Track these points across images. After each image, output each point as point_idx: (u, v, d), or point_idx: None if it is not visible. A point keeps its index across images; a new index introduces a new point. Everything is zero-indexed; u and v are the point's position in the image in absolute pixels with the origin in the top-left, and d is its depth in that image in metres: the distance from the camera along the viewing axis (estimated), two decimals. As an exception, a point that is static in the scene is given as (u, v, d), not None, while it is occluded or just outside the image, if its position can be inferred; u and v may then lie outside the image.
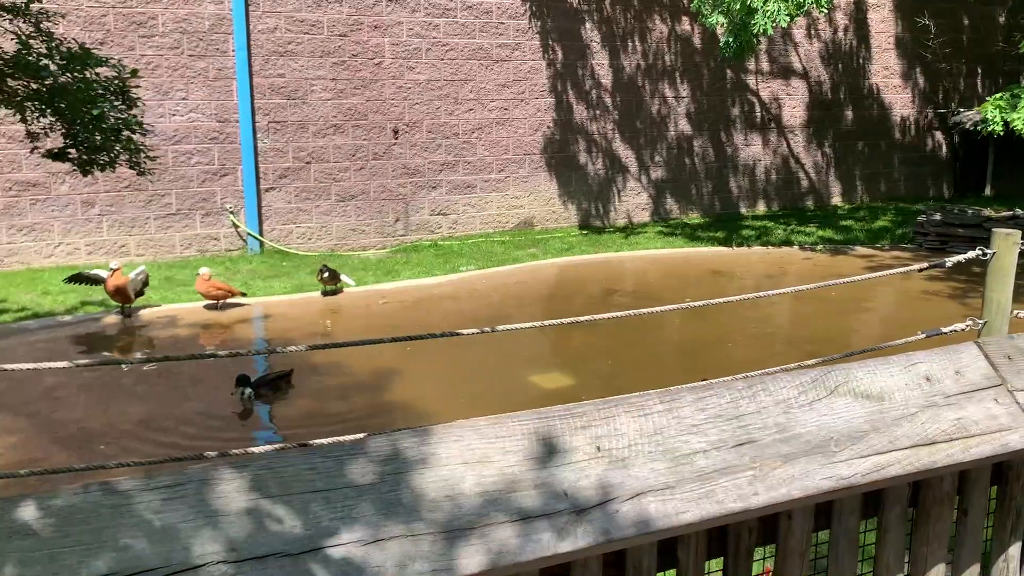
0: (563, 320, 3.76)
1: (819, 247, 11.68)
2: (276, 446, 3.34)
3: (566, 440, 1.45)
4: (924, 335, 4.95)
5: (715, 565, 1.74)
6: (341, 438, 1.45)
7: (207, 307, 8.29)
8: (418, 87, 11.53)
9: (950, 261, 4.87)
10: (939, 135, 15.93)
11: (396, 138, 11.51)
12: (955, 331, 4.86)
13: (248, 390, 5.89)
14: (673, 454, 1.48)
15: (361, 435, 1.40)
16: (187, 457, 3.01)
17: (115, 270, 7.86)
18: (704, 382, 1.64)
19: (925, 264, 5.14)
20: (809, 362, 5.05)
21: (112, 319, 7.99)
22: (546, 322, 4.32)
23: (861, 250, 11.49)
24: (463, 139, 11.93)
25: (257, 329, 8.32)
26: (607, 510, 1.40)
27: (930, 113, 15.79)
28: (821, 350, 7.01)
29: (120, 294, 7.83)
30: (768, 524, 1.70)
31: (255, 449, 3.63)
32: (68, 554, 1.17)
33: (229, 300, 8.35)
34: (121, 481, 1.25)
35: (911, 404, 1.67)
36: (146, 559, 1.19)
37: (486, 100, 12.01)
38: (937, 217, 11.47)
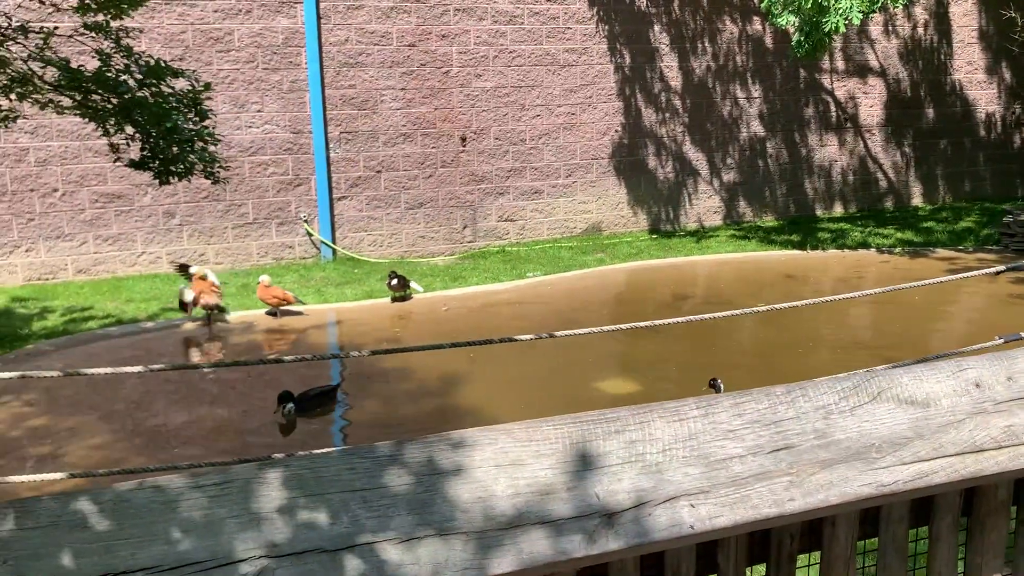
0: (620, 326, 3.76)
1: (897, 249, 11.35)
2: (339, 448, 3.45)
3: (599, 444, 1.47)
4: (1002, 340, 4.79)
5: (760, 570, 1.74)
6: (380, 443, 1.50)
7: (267, 313, 8.53)
8: (485, 94, 11.64)
9: (1028, 263, 4.69)
10: (1027, 132, 15.30)
11: (464, 145, 11.64)
12: (1035, 336, 4.68)
13: (290, 406, 5.95)
14: (708, 459, 1.49)
15: (399, 439, 1.45)
16: (238, 461, 3.12)
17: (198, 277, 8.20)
18: (742, 391, 1.63)
19: (1002, 267, 4.96)
20: (851, 374, 4.93)
21: (191, 325, 8.28)
22: (604, 328, 4.32)
23: (942, 252, 11.11)
24: (530, 145, 11.99)
25: (329, 335, 8.52)
26: (639, 514, 1.41)
27: (1018, 109, 15.18)
28: (899, 355, 6.82)
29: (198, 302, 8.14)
30: (812, 531, 1.69)
31: (322, 451, 3.74)
32: (121, 546, 1.25)
33: (285, 307, 8.54)
34: (172, 479, 1.33)
35: (958, 410, 1.63)
36: (193, 552, 1.26)
37: (553, 105, 12.05)
38: None
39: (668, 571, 1.57)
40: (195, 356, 7.74)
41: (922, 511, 1.76)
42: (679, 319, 4.78)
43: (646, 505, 1.42)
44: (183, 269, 8.72)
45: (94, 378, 6.59)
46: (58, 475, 3.06)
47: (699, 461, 1.48)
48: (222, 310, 8.30)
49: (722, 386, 6.09)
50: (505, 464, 1.42)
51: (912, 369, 1.70)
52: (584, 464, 1.44)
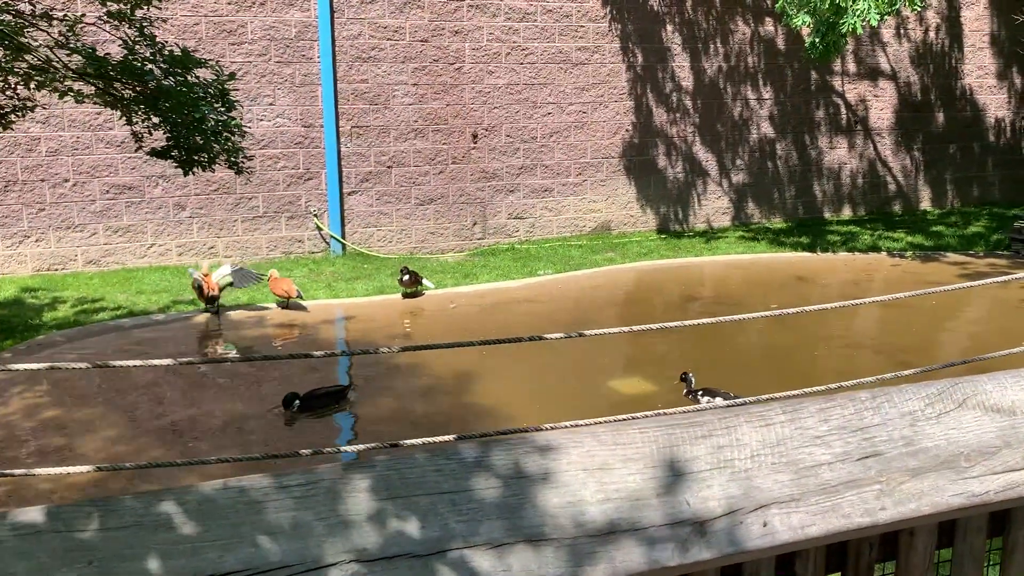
0: (633, 327, 3.72)
1: (908, 253, 11.32)
2: (363, 446, 3.40)
3: (687, 449, 1.43)
4: (1029, 347, 4.74)
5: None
6: (464, 443, 1.47)
7: (279, 305, 8.51)
8: (497, 91, 11.59)
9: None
10: (1036, 137, 15.27)
11: (475, 142, 11.59)
12: (1063, 343, 4.64)
13: (296, 402, 5.90)
14: (797, 466, 1.45)
15: (484, 436, 1.41)
16: (283, 455, 3.07)
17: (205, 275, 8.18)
18: (827, 392, 1.60)
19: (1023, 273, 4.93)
20: (935, 366, 4.90)
21: (202, 317, 8.24)
22: (615, 329, 4.28)
23: (953, 257, 11.08)
24: (541, 143, 11.95)
25: (339, 330, 8.47)
26: (731, 522, 1.37)
27: (1027, 114, 15.15)
28: (915, 360, 6.78)
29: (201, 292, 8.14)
30: (888, 540, 1.65)
31: (348, 448, 3.69)
32: (208, 548, 1.21)
33: (293, 300, 8.49)
34: (256, 480, 1.29)
35: (1045, 420, 1.60)
36: (281, 556, 1.22)
37: (564, 104, 12.00)
38: (1035, 223, 10.99)
39: (747, 579, 1.53)
40: (209, 349, 7.69)
41: (998, 522, 1.73)
42: (698, 321, 4.74)
43: (737, 513, 1.38)
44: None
45: (107, 370, 6.54)
46: (84, 468, 3.01)
47: (788, 468, 1.45)
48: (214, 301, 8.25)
49: (693, 379, 6.20)
50: (593, 468, 1.38)
51: (995, 377, 1.66)
52: (672, 470, 1.41)
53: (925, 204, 14.65)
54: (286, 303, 8.50)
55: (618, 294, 10.05)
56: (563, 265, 10.56)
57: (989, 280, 4.94)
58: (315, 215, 10.93)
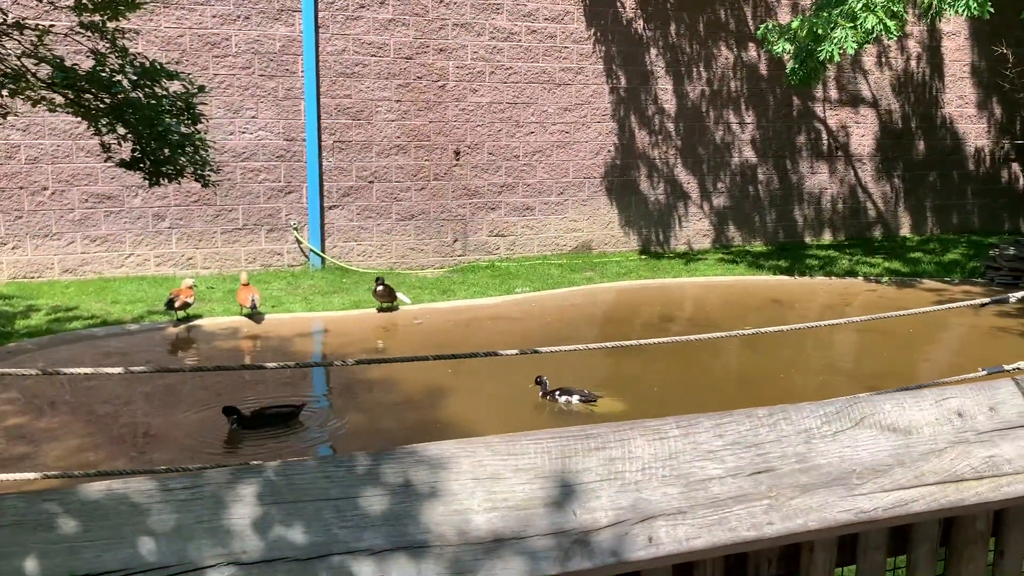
0: (605, 344, 3.75)
1: (885, 279, 11.41)
2: (300, 459, 3.41)
3: (579, 461, 1.46)
4: (985, 372, 4.80)
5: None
6: (356, 452, 1.48)
7: (244, 315, 8.58)
8: (480, 109, 11.67)
9: (1014, 297, 4.71)
10: (1016, 167, 15.45)
11: (457, 159, 11.65)
12: (1018, 368, 4.69)
13: (235, 417, 5.76)
14: (687, 479, 1.47)
15: (376, 450, 1.43)
16: (213, 466, 3.08)
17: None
18: (721, 412, 1.63)
19: (987, 300, 4.98)
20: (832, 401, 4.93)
21: (174, 329, 8.23)
22: (591, 345, 4.31)
23: (929, 283, 11.17)
24: (523, 161, 12.02)
25: (314, 343, 8.47)
26: (616, 532, 1.40)
27: (1007, 144, 15.33)
28: (880, 384, 6.83)
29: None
30: (789, 555, 1.68)
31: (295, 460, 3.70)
32: (87, 548, 1.22)
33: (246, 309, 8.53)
34: (142, 483, 1.30)
35: (940, 439, 1.63)
36: (160, 557, 1.23)
37: (547, 123, 12.08)
38: (1011, 251, 11.10)
39: (643, 592, 1.55)
40: (180, 359, 7.68)
41: (900, 539, 1.75)
42: (669, 339, 4.77)
43: (623, 524, 1.41)
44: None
45: (75, 379, 6.53)
46: (31, 475, 3.01)
47: (678, 481, 1.47)
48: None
49: (547, 382, 6.38)
50: (483, 478, 1.40)
51: (894, 396, 1.69)
52: (562, 480, 1.43)
53: (905, 231, 14.78)
54: (250, 312, 8.52)
55: (595, 313, 10.08)
56: (542, 283, 10.60)
57: (945, 306, 4.99)
58: (295, 228, 10.95)
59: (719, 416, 1.57)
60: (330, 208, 11.11)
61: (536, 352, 4.36)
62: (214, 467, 3.49)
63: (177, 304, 8.14)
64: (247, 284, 8.62)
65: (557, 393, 6.39)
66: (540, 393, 6.45)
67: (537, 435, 1.50)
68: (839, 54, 9.75)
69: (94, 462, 5.30)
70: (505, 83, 11.78)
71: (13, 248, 9.80)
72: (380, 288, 8.88)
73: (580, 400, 6.40)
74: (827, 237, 14.19)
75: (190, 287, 8.30)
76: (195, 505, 1.28)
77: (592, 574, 1.38)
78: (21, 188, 9.77)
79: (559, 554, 1.35)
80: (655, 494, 1.44)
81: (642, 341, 4.36)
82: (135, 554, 1.23)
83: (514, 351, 4.31)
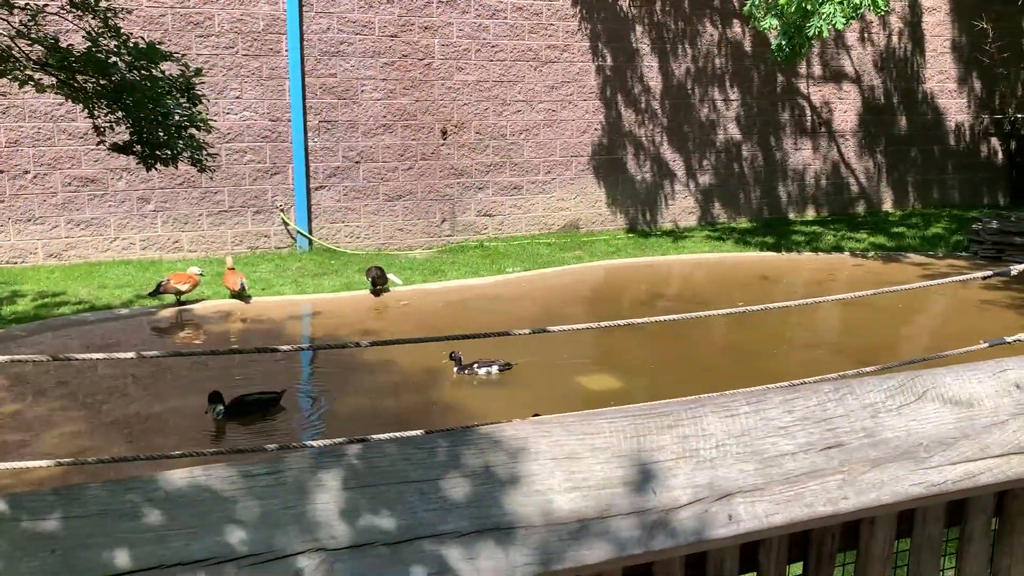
0: (600, 324, 3.75)
1: (871, 254, 11.50)
2: (330, 441, 3.38)
3: (653, 439, 1.45)
4: (987, 344, 4.85)
5: (795, 569, 1.73)
6: (434, 433, 1.46)
7: (233, 296, 8.56)
8: (467, 88, 11.58)
9: (1016, 269, 4.76)
10: (995, 141, 15.59)
11: (444, 139, 11.57)
12: (1020, 340, 4.75)
13: (220, 407, 5.63)
14: (761, 455, 1.47)
15: (456, 428, 1.42)
16: (248, 450, 3.05)
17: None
18: (791, 384, 1.62)
19: (989, 272, 5.04)
20: (894, 364, 4.99)
21: (165, 312, 8.14)
22: (580, 326, 4.31)
23: (914, 257, 11.28)
24: (510, 140, 11.96)
25: (305, 326, 8.42)
26: (696, 510, 1.39)
27: (986, 119, 15.46)
28: (876, 358, 6.90)
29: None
30: (849, 530, 1.68)
31: (314, 443, 3.67)
32: (174, 537, 1.20)
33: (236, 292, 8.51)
34: (222, 469, 1.28)
35: (1001, 411, 1.63)
36: (248, 545, 1.21)
37: (534, 101, 12.02)
38: (994, 225, 11.22)
39: (711, 569, 1.55)
40: (174, 343, 7.60)
41: (954, 512, 1.76)
42: (665, 317, 4.78)
43: (702, 502, 1.40)
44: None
45: (70, 364, 6.44)
46: (43, 463, 2.97)
47: (752, 457, 1.47)
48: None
49: (461, 357, 6.52)
50: (561, 458, 1.39)
51: (953, 369, 1.70)
52: (639, 459, 1.42)
53: (887, 206, 14.90)
54: (238, 294, 8.46)
55: (585, 292, 10.09)
56: (531, 263, 10.58)
57: (943, 280, 5.03)
58: (281, 210, 10.84)
59: (786, 391, 1.57)
60: (316, 189, 11.01)
61: (545, 331, 4.35)
62: (294, 448, 3.46)
63: (162, 290, 8.07)
64: (232, 268, 8.56)
65: (476, 365, 6.58)
66: (455, 369, 6.58)
67: (610, 414, 1.49)
68: (827, 29, 9.76)
69: (91, 448, 5.24)
70: (491, 61, 11.69)
71: (-5, 233, 9.63)
72: (375, 274, 8.84)
73: (499, 369, 6.62)
74: (811, 213, 14.28)
75: (190, 274, 8.23)
76: (279, 491, 1.26)
77: (676, 552, 1.38)
78: (1, 172, 9.59)
79: (642, 534, 1.35)
80: (731, 471, 1.44)
81: (638, 320, 4.36)
82: (222, 542, 1.21)
83: (526, 330, 4.31)
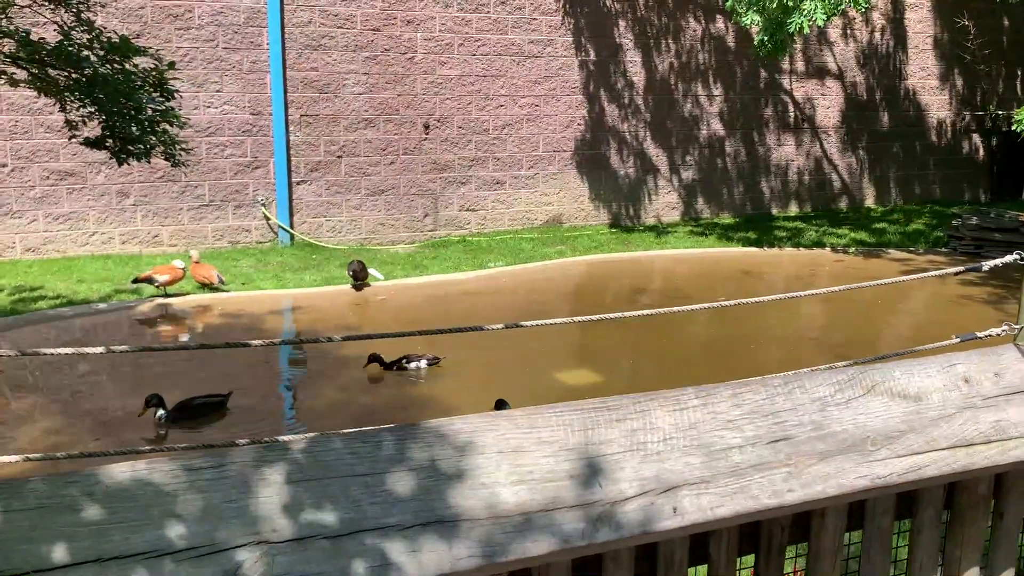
0: (591, 316, 3.76)
1: (852, 249, 11.57)
2: (300, 436, 3.37)
3: (601, 432, 1.46)
4: (958, 339, 4.89)
5: (747, 561, 1.74)
6: (381, 428, 1.46)
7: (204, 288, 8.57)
8: (449, 82, 11.56)
9: (987, 265, 4.80)
10: (976, 138, 15.70)
11: (427, 133, 11.55)
12: (991, 335, 4.79)
13: (161, 412, 5.47)
14: (708, 448, 1.48)
15: (399, 425, 1.42)
16: (219, 444, 3.05)
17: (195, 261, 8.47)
18: (739, 381, 1.64)
19: (961, 267, 5.07)
20: (840, 364, 5.00)
21: (144, 307, 8.10)
22: (571, 319, 4.31)
23: (895, 253, 11.35)
24: (493, 135, 11.95)
25: (287, 320, 8.39)
26: (642, 503, 1.40)
27: (967, 116, 15.56)
28: (852, 353, 6.94)
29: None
30: (800, 522, 1.70)
31: (284, 438, 3.66)
32: (114, 531, 1.20)
33: (215, 285, 8.52)
34: (166, 463, 1.28)
35: (949, 405, 1.66)
36: (189, 538, 1.21)
37: (517, 96, 12.01)
38: (973, 221, 11.30)
39: (662, 561, 1.56)
40: (153, 338, 7.57)
41: (905, 504, 1.78)
42: (646, 311, 4.79)
43: (648, 494, 1.41)
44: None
45: (46, 360, 6.41)
46: (12, 458, 2.95)
47: (700, 451, 1.48)
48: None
49: (382, 356, 6.51)
50: (507, 451, 1.40)
51: (903, 364, 1.72)
52: (586, 452, 1.43)
53: (869, 202, 14.98)
54: (214, 287, 8.44)
55: (568, 287, 10.11)
56: (514, 257, 10.59)
57: (917, 276, 5.07)
58: (263, 204, 10.80)
59: (736, 385, 1.59)
60: (298, 183, 10.97)
61: (519, 326, 4.35)
62: (240, 445, 3.45)
63: (141, 278, 8.12)
64: (198, 262, 8.57)
65: (404, 361, 6.65)
66: (382, 366, 6.60)
67: (558, 408, 1.50)
68: (808, 26, 9.80)
69: (65, 444, 5.21)
70: (474, 55, 11.67)
71: (-28, 227, 9.55)
72: (355, 268, 8.82)
73: (428, 363, 6.70)
74: (794, 209, 14.34)
75: (172, 267, 8.24)
76: (221, 485, 1.27)
77: (620, 544, 1.39)
78: (-21, 165, 9.51)
79: (587, 527, 1.36)
80: (678, 464, 1.45)
81: (613, 315, 4.37)
82: (163, 535, 1.21)
83: (499, 325, 4.31)
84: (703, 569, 1.67)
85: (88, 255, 9.93)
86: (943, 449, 1.60)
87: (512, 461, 1.39)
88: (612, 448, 1.44)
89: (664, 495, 1.42)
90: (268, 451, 1.33)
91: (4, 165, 9.60)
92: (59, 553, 1.16)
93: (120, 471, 1.25)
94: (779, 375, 1.64)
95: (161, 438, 5.42)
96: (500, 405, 5.71)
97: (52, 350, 3.23)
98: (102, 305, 8.02)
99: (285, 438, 3.34)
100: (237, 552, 1.21)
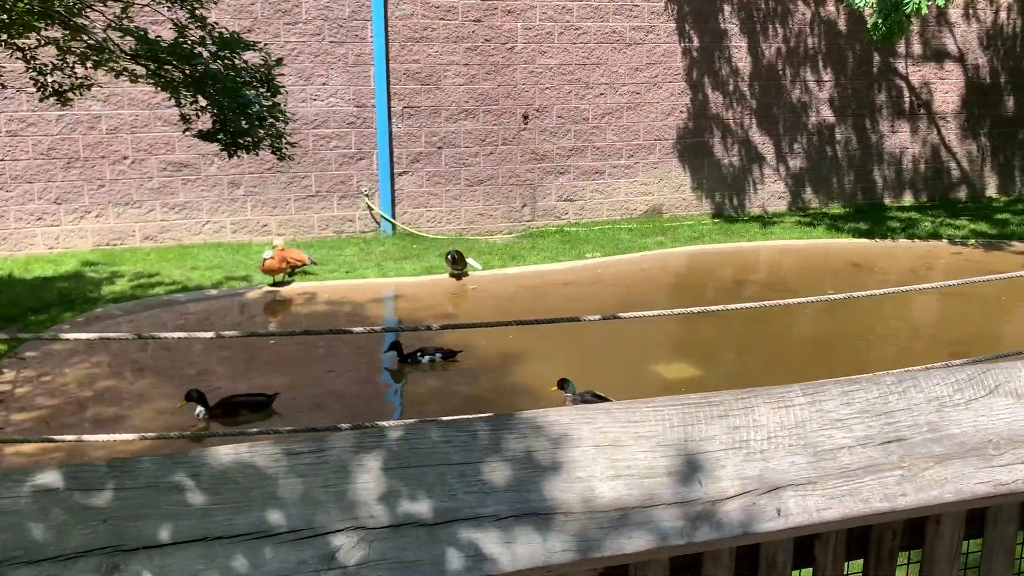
0: (674, 311, 3.68)
1: (971, 241, 10.99)
2: (407, 421, 3.44)
3: (701, 429, 1.41)
4: (1090, 338, 4.58)
5: (855, 567, 1.67)
6: (476, 417, 1.45)
7: (273, 284, 8.68)
8: (549, 72, 11.53)
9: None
10: (1112, 123, 14.65)
11: (526, 123, 11.56)
12: None
13: (200, 408, 5.46)
14: (815, 448, 1.42)
15: (494, 414, 1.42)
16: (322, 428, 3.12)
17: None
18: (848, 378, 1.56)
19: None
20: (957, 362, 4.77)
21: (254, 293, 8.40)
22: (656, 312, 4.24)
23: (1018, 245, 10.72)
24: (592, 124, 11.85)
25: (387, 308, 8.56)
26: (744, 503, 1.35)
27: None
28: (971, 351, 6.59)
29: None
30: (913, 528, 1.61)
31: (387, 423, 3.73)
32: (218, 511, 1.23)
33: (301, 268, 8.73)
34: (268, 448, 1.31)
35: (1082, 409, 1.53)
36: (289, 521, 1.24)
37: (617, 84, 11.88)
38: (1106, 212, 10.56)
39: (763, 563, 1.51)
40: (261, 323, 7.84)
41: (1030, 513, 1.67)
42: (749, 304, 4.67)
43: (750, 494, 1.36)
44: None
45: (165, 342, 6.72)
46: (130, 436, 3.10)
47: (805, 450, 1.42)
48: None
49: (403, 347, 6.45)
50: (604, 445, 1.37)
51: (1031, 363, 1.60)
52: (685, 448, 1.39)
53: (991, 191, 14.20)
54: (292, 272, 8.68)
55: (667, 278, 9.95)
56: (612, 248, 10.49)
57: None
58: (366, 195, 11.03)
59: (846, 383, 1.51)
60: (400, 174, 11.15)
61: (616, 317, 4.31)
62: (341, 429, 3.54)
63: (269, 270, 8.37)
64: (283, 248, 8.66)
65: (419, 354, 6.54)
66: (397, 359, 6.52)
67: (656, 402, 1.46)
68: (927, 6, 9.33)
69: (176, 424, 5.45)
70: (574, 44, 11.60)
71: (96, 216, 10.10)
72: (452, 258, 8.91)
73: (442, 357, 6.57)
74: (908, 199, 13.72)
75: (273, 256, 8.46)
76: (321, 470, 1.28)
77: (719, 544, 1.34)
78: (103, 157, 10.04)
79: (686, 525, 1.32)
80: (782, 463, 1.40)
81: (727, 307, 4.27)
82: (264, 518, 1.23)
83: (596, 317, 4.27)
84: (807, 572, 1.60)
85: (201, 243, 10.36)
86: (1075, 456, 1.49)
87: (609, 455, 1.36)
88: (713, 445, 1.40)
89: (767, 495, 1.36)
90: (366, 438, 1.34)
91: (125, 157, 10.10)
92: (166, 532, 1.20)
93: (224, 453, 1.28)
94: (892, 372, 1.55)
95: (205, 429, 5.39)
96: (563, 384, 5.69)
97: (167, 334, 3.38)
98: (214, 291, 8.36)
99: (384, 423, 3.40)
100: (335, 536, 1.23)
